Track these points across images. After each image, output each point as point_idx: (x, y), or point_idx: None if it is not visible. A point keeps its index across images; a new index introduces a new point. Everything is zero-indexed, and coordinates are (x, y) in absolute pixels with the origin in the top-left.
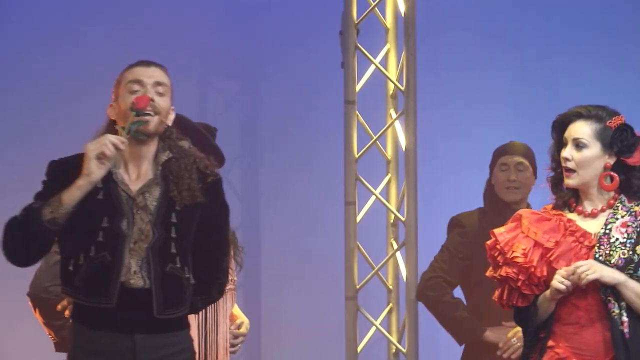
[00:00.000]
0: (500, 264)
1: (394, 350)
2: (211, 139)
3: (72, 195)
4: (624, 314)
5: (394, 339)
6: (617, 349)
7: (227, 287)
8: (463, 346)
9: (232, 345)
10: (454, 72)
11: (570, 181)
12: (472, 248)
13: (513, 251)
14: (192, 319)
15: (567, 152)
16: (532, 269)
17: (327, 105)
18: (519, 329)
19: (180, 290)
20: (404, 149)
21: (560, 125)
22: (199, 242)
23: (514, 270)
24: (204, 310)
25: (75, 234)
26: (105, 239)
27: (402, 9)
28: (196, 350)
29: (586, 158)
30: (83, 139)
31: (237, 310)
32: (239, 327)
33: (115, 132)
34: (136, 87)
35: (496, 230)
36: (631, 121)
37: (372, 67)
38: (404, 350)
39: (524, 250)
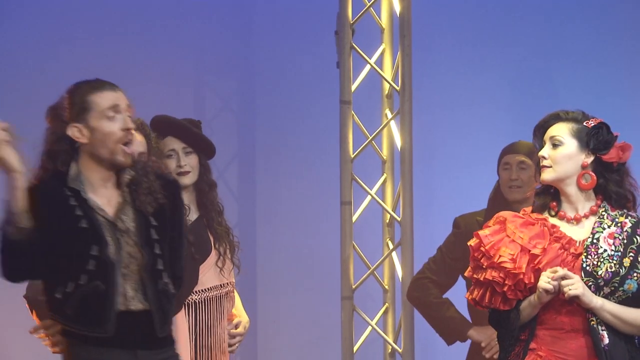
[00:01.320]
0: (485, 266)
1: (390, 350)
2: (197, 130)
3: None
4: (602, 326)
5: (390, 339)
6: (600, 358)
7: (225, 290)
8: (469, 345)
9: (229, 345)
10: (449, 72)
11: (545, 175)
12: (465, 248)
13: (500, 255)
14: (183, 321)
15: (544, 150)
16: (521, 276)
17: (323, 105)
18: None
19: (171, 304)
20: (399, 149)
21: (540, 131)
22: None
23: (501, 274)
24: (195, 314)
25: (62, 262)
26: (96, 267)
27: (398, 9)
28: (187, 353)
29: (561, 154)
30: None
31: (238, 308)
32: (236, 326)
33: (72, 152)
34: (112, 113)
35: (480, 232)
36: (625, 121)
37: (368, 67)
38: (400, 350)
39: (512, 255)
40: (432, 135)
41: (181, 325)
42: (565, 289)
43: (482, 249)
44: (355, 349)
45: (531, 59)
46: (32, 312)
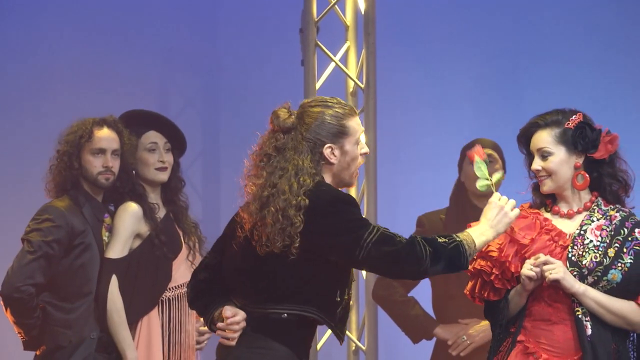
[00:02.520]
0: (475, 257)
1: (353, 348)
2: (179, 128)
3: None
4: (587, 316)
5: (353, 337)
6: (584, 349)
7: None
8: (434, 343)
9: (198, 342)
10: (413, 71)
11: (545, 187)
12: None
13: (488, 245)
14: (156, 318)
15: (535, 164)
16: (507, 264)
17: None
18: (472, 326)
19: None
20: None
21: (524, 139)
22: None
23: (489, 263)
24: (168, 310)
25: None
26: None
27: (362, 7)
28: (159, 349)
29: (554, 164)
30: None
31: None
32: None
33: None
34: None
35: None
36: (592, 116)
37: (332, 65)
38: (363, 348)
39: (500, 245)
40: (396, 134)
41: (154, 322)
42: (546, 273)
43: None
44: (318, 347)
45: (497, 58)
46: (5, 310)
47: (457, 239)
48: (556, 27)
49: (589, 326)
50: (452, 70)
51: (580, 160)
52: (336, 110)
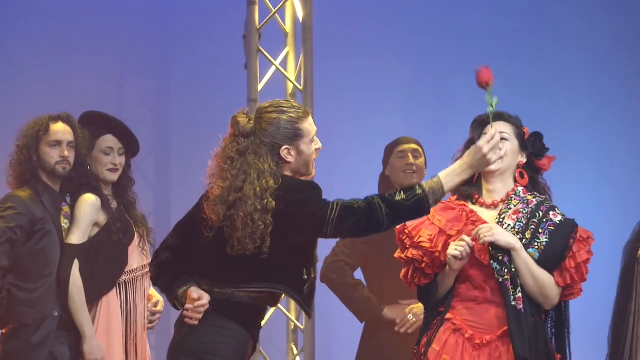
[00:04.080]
0: (408, 246)
1: (292, 327)
2: (134, 134)
3: None
4: (519, 291)
5: (292, 317)
6: (511, 323)
7: (146, 270)
8: (364, 324)
9: (150, 322)
10: (349, 74)
11: (496, 165)
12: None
13: (420, 236)
14: (114, 300)
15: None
16: (437, 254)
17: (232, 103)
18: (414, 306)
19: None
20: None
21: (480, 125)
22: None
23: (420, 253)
24: (125, 292)
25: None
26: None
27: (301, 15)
28: (119, 330)
29: (508, 148)
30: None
31: (152, 290)
32: (155, 305)
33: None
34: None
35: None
36: (524, 120)
37: (273, 69)
38: (301, 327)
39: (430, 236)
40: (331, 132)
41: (113, 303)
42: (482, 236)
43: (405, 230)
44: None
45: (425, 62)
46: None
47: (418, 193)
48: (482, 28)
49: (521, 300)
50: (383, 74)
51: (523, 161)
52: (290, 115)
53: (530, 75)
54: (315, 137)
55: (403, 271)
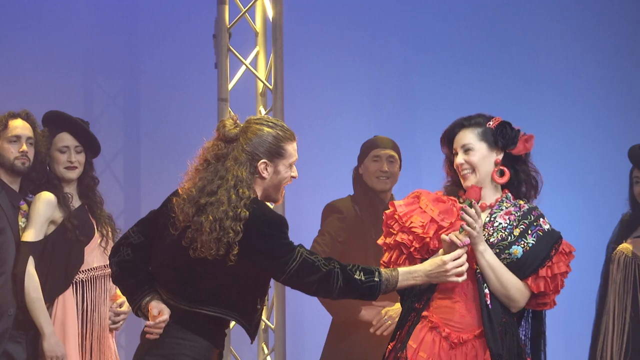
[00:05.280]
0: (395, 231)
1: (263, 327)
2: (90, 131)
3: None
4: (486, 287)
5: (263, 316)
6: (484, 318)
7: (109, 270)
8: (330, 323)
9: (114, 323)
10: (318, 72)
11: (468, 182)
12: (349, 232)
13: (412, 222)
14: (70, 298)
15: (459, 158)
16: (428, 240)
17: (202, 102)
18: (389, 308)
19: None
20: None
21: (447, 140)
22: None
23: (410, 237)
24: (82, 292)
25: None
26: None
27: (271, 14)
28: (75, 328)
29: (476, 158)
30: None
31: (119, 290)
32: (120, 305)
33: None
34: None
35: (395, 202)
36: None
37: (243, 68)
38: (272, 326)
39: (422, 223)
40: (301, 130)
41: (69, 301)
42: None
43: (395, 216)
44: (231, 325)
45: (393, 60)
46: None
47: (375, 280)
48: (451, 26)
49: (489, 296)
50: (351, 73)
51: (500, 157)
52: (277, 132)
53: (499, 80)
54: (294, 166)
55: (385, 256)
